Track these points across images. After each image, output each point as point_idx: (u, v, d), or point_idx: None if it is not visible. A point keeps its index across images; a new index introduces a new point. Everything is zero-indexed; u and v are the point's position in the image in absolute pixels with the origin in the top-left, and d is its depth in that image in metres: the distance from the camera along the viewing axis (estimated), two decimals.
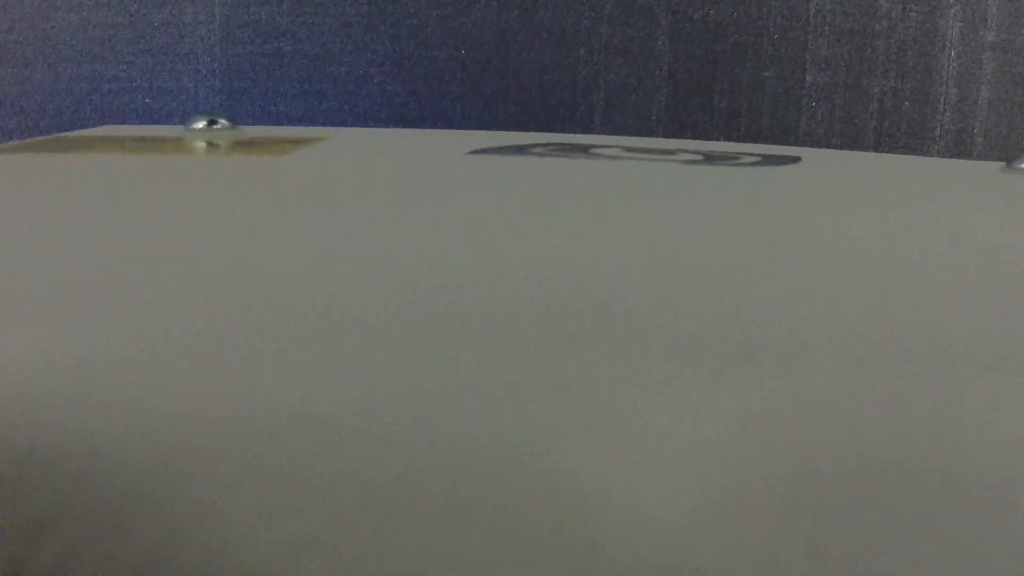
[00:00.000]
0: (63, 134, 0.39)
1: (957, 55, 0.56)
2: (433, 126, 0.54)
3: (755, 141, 0.56)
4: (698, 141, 0.39)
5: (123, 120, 0.54)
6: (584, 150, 0.33)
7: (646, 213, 0.22)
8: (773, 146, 0.38)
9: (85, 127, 0.51)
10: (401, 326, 0.14)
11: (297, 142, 0.36)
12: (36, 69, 0.53)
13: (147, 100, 0.54)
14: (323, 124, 0.54)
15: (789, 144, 0.56)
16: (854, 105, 0.56)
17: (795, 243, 0.20)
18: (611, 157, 0.32)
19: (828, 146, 0.56)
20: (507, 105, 0.55)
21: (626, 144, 0.36)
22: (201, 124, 0.39)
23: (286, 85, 0.54)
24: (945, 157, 0.56)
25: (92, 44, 0.53)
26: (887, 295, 0.16)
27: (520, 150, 0.33)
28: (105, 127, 0.44)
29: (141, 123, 0.54)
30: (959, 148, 0.57)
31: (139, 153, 0.31)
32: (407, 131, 0.41)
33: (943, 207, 0.25)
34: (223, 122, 0.39)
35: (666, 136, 0.55)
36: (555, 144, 0.35)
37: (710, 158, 0.32)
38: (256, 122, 0.54)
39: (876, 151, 0.56)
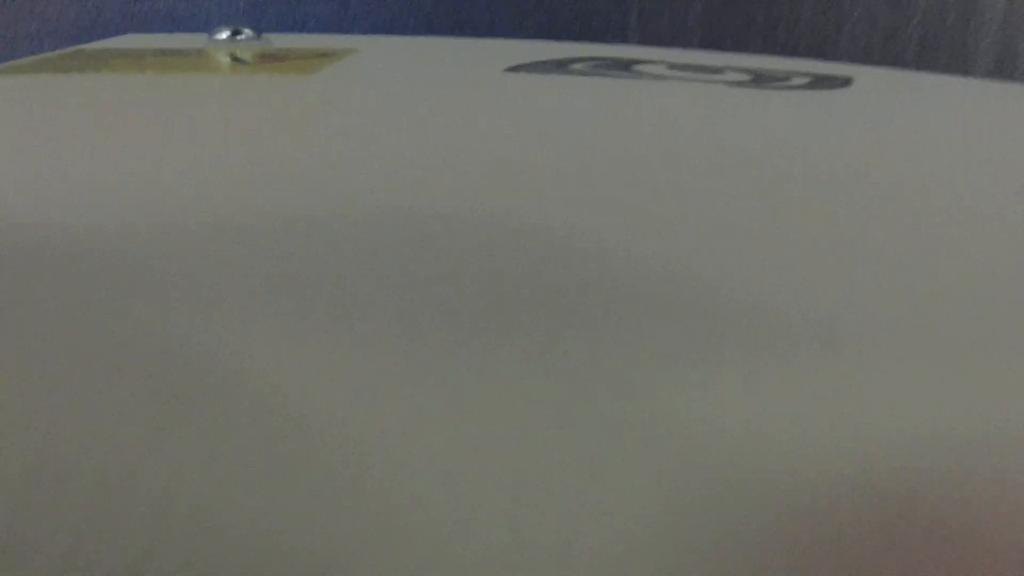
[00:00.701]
0: (82, 47, 0.38)
1: None
2: (462, 34, 0.52)
3: (793, 53, 0.54)
4: (744, 55, 0.38)
5: (146, 24, 0.53)
6: (627, 67, 0.32)
7: (695, 150, 0.21)
8: (822, 63, 0.37)
9: (106, 32, 0.49)
10: (454, 271, 0.14)
11: (325, 56, 0.34)
12: None
13: (170, 1, 0.52)
14: (348, 31, 0.52)
15: (828, 57, 0.54)
16: (896, 18, 0.54)
17: (854, 189, 0.19)
18: (656, 76, 0.30)
19: (868, 60, 0.54)
20: (539, 14, 0.53)
21: (671, 60, 0.35)
22: (224, 35, 0.38)
23: None
24: (988, 74, 0.54)
25: None
26: (968, 252, 0.15)
27: (560, 66, 0.32)
28: (126, 37, 0.42)
29: (164, 26, 0.52)
30: (1001, 66, 0.55)
31: (160, 73, 0.30)
32: (438, 41, 0.40)
33: (1014, 139, 0.23)
34: (247, 32, 0.38)
35: (702, 47, 0.54)
36: (597, 59, 0.34)
37: (758, 79, 0.31)
38: (279, 27, 0.52)
39: (916, 67, 0.55)
